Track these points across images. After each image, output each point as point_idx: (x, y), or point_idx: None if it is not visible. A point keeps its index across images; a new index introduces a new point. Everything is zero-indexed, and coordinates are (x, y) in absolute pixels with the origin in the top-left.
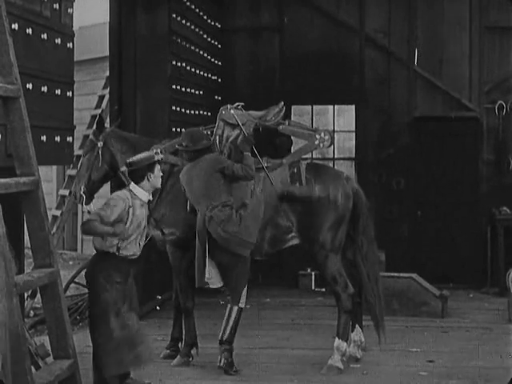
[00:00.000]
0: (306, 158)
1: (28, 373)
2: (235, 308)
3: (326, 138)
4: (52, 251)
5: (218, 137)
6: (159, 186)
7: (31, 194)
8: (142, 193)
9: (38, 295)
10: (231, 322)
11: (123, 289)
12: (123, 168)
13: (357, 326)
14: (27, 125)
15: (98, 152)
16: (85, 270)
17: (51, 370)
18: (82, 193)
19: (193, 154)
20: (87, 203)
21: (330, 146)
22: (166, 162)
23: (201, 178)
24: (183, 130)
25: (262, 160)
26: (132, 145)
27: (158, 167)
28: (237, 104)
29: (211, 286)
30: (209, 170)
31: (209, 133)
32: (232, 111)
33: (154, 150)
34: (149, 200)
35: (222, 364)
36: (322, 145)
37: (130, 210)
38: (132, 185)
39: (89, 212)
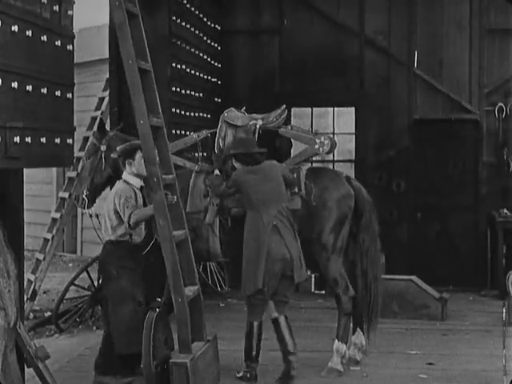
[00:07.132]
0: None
1: (182, 288)
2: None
3: (326, 142)
4: (183, 220)
5: (220, 139)
6: (145, 173)
7: (170, 187)
8: (135, 180)
9: (38, 297)
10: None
11: (136, 275)
12: (114, 154)
13: (358, 328)
14: (167, 143)
15: (101, 155)
16: (84, 271)
17: (190, 289)
18: (84, 196)
19: (250, 159)
20: (89, 207)
21: (330, 151)
22: None
23: (273, 181)
24: (183, 132)
25: None
26: (136, 148)
27: (139, 154)
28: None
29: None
30: (279, 175)
31: (208, 134)
32: (234, 113)
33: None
34: (141, 186)
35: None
36: (321, 149)
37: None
38: (125, 175)
39: (90, 215)
